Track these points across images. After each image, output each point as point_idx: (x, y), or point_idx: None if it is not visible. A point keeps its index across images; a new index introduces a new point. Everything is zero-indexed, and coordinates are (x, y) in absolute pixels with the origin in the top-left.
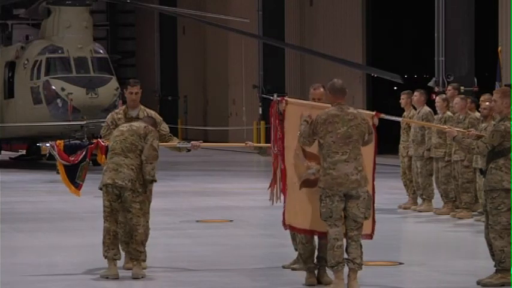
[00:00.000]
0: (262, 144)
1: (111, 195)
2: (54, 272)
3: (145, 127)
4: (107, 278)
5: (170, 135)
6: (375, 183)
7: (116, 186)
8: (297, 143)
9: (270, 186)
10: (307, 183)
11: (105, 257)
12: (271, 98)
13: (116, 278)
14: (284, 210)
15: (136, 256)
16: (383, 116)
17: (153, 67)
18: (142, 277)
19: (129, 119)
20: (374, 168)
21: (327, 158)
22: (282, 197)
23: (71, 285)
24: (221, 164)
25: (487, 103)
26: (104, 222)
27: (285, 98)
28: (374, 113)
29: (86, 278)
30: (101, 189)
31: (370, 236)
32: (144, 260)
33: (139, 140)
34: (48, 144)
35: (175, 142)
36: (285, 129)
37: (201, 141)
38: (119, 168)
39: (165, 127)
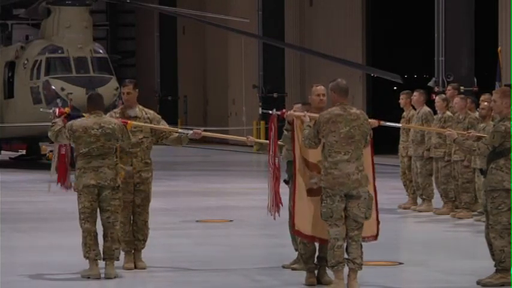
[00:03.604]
0: (263, 141)
1: (92, 195)
2: (54, 271)
3: (119, 126)
4: (88, 277)
5: (170, 132)
6: (376, 183)
7: (98, 187)
8: (300, 152)
9: (270, 203)
10: (311, 192)
11: (87, 258)
12: (271, 112)
13: (98, 278)
14: (293, 216)
15: (111, 255)
16: (383, 123)
17: (153, 67)
18: (115, 277)
19: (127, 119)
20: (373, 169)
21: (328, 158)
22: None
23: (71, 285)
24: (221, 164)
25: (486, 103)
26: (84, 223)
27: (284, 111)
28: (375, 120)
29: (85, 278)
30: (75, 191)
31: (375, 237)
32: (118, 259)
33: (116, 141)
34: (51, 110)
35: (175, 135)
36: (294, 139)
37: (202, 129)
38: (99, 169)
39: (164, 125)
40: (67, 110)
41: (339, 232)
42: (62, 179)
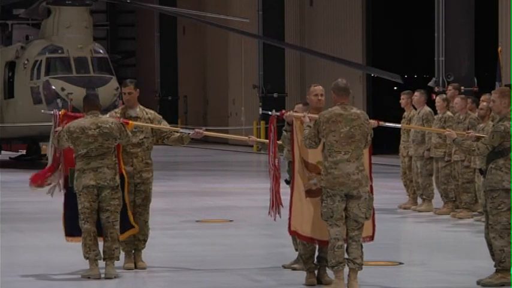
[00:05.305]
0: (265, 140)
1: (91, 195)
2: (54, 271)
3: (116, 125)
4: (89, 277)
5: (171, 132)
6: (373, 184)
7: (97, 187)
8: (299, 153)
9: (271, 204)
10: (310, 193)
11: (87, 258)
12: (270, 113)
13: (98, 278)
14: (290, 217)
15: (111, 255)
16: (382, 123)
17: (153, 67)
18: (115, 277)
19: (128, 119)
20: (371, 169)
21: (328, 158)
22: (282, 208)
23: (71, 285)
24: (221, 164)
25: (485, 103)
26: (84, 223)
27: (283, 112)
28: (374, 121)
29: (85, 278)
30: (75, 192)
31: (371, 238)
32: (118, 258)
33: (114, 141)
34: (52, 112)
35: (176, 136)
36: (293, 140)
37: (203, 129)
38: (98, 169)
39: (165, 125)
40: (62, 111)
41: (339, 232)
42: (40, 180)
